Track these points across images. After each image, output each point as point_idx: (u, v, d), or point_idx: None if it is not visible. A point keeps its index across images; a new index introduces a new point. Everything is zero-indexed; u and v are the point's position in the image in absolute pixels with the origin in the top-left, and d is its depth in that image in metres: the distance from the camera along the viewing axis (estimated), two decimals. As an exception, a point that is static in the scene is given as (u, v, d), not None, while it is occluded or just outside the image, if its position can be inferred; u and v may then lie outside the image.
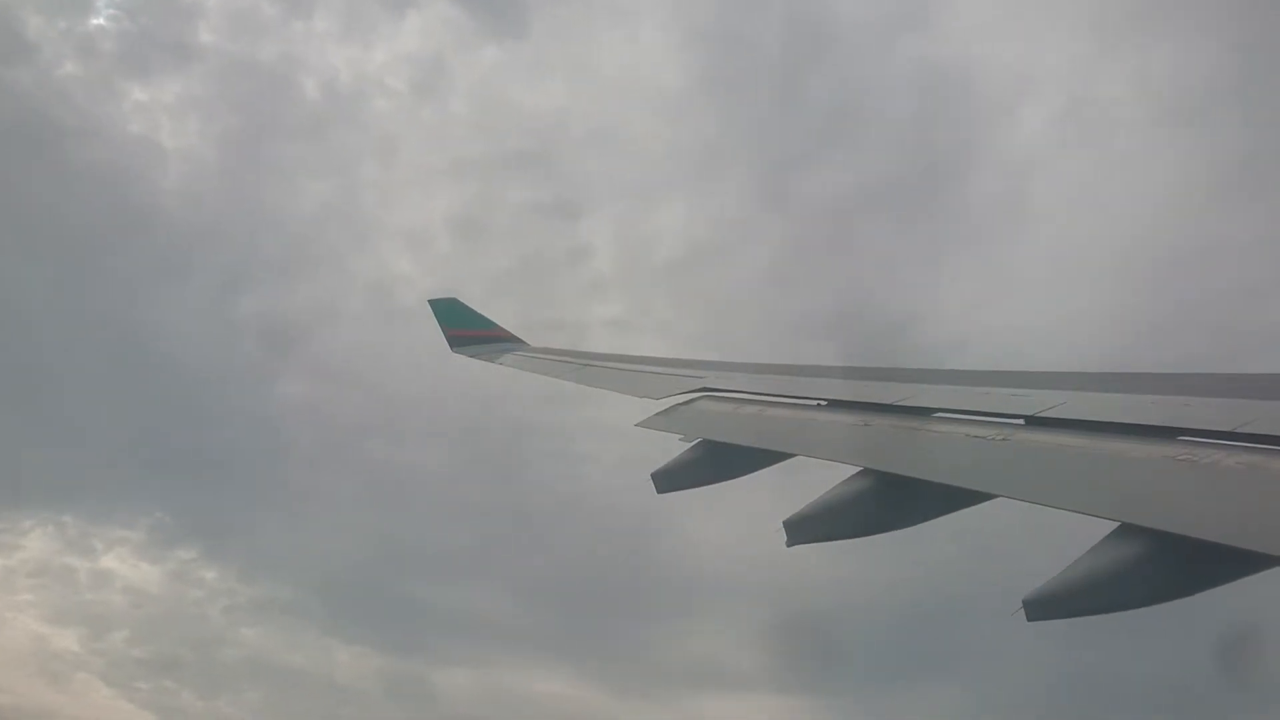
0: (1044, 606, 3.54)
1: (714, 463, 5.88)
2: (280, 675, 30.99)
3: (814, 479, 4.98)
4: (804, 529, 4.71)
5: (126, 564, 31.95)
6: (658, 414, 6.82)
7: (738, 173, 34.21)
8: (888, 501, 4.61)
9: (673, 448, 6.10)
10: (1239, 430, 3.78)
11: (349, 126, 37.07)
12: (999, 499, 4.18)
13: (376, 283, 34.61)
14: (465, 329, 12.34)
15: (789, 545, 4.70)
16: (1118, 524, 3.57)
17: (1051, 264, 28.77)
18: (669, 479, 5.90)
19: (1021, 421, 4.72)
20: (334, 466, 32.32)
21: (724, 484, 5.86)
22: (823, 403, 6.06)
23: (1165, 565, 3.40)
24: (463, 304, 12.61)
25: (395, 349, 33.18)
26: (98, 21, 35.99)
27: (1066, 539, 3.71)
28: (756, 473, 5.67)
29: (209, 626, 31.49)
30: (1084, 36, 31.44)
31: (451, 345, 12.33)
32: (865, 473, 4.76)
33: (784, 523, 4.73)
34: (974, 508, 4.29)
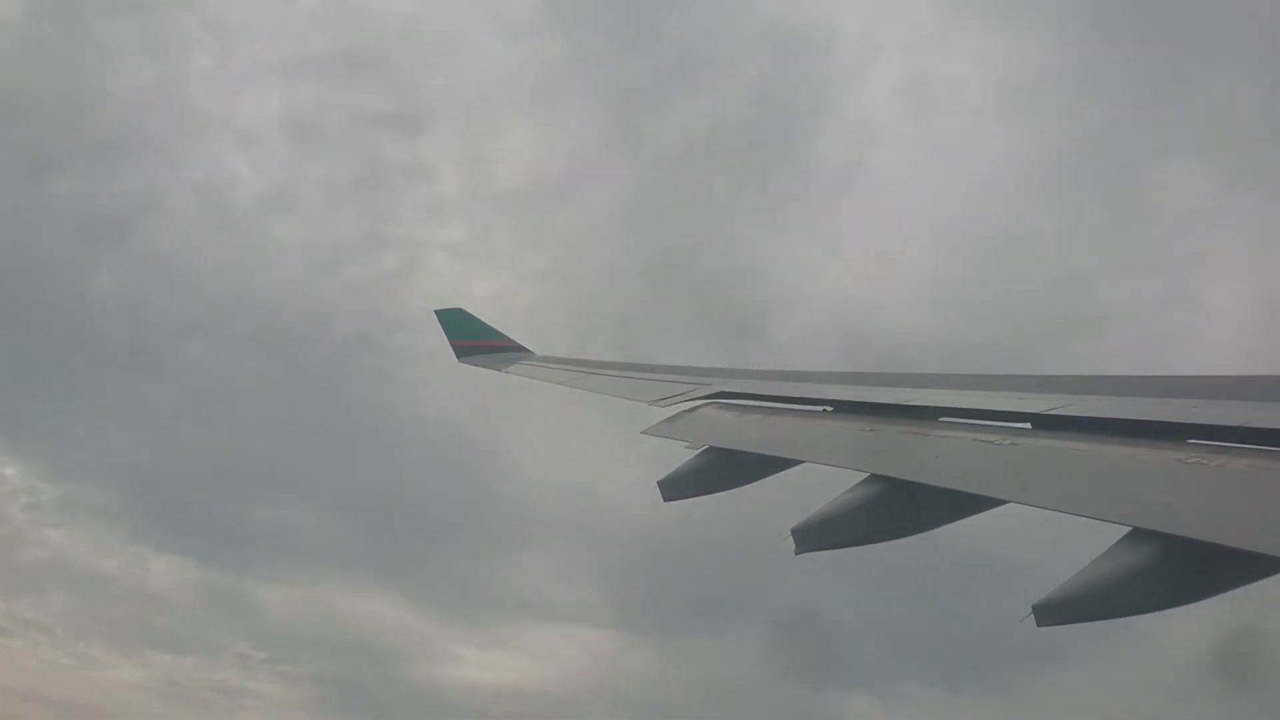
0: (1054, 612, 3.51)
1: (720, 470, 5.85)
2: (88, 580, 29.82)
3: (821, 485, 4.96)
4: (811, 536, 4.68)
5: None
6: (663, 421, 6.80)
7: (584, 104, 33.55)
8: (896, 507, 4.58)
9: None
10: (1248, 431, 3.76)
11: (182, 7, 35.26)
12: (1009, 504, 4.16)
13: (205, 179, 32.87)
14: (471, 339, 12.40)
15: (797, 553, 4.67)
16: (1128, 529, 3.54)
17: (879, 234, 29.14)
18: (675, 487, 5.87)
19: (1028, 425, 4.70)
20: (151, 368, 31.02)
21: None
22: (828, 408, 6.04)
23: (1177, 569, 3.38)
24: (469, 314, 12.67)
25: (223, 251, 32.16)
26: None
27: (1070, 542, 3.69)
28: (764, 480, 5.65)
29: (8, 525, 30.03)
30: (932, 12, 31.80)
31: (458, 355, 12.39)
32: (873, 479, 4.73)
33: (792, 530, 4.69)
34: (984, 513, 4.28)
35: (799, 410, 6.27)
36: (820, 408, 6.12)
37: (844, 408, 5.90)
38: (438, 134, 34.49)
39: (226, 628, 29.92)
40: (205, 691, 28.48)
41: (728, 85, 31.35)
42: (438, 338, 12.39)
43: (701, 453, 5.96)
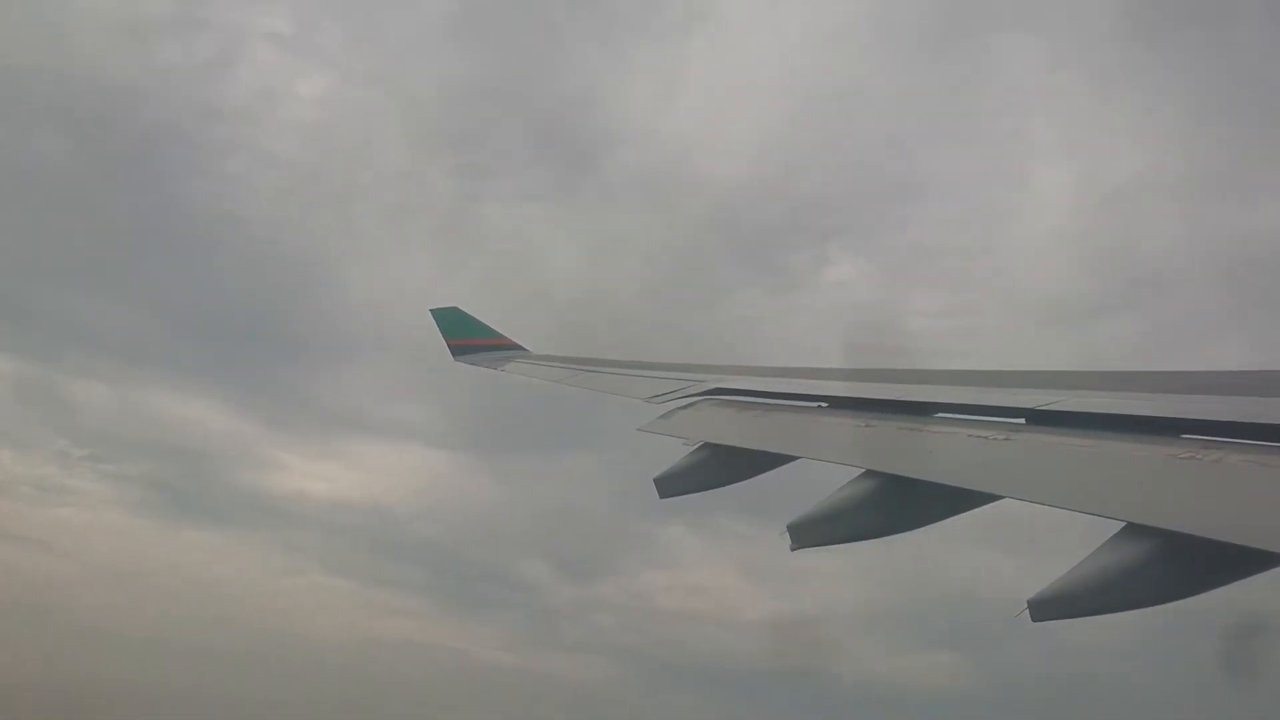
0: (1049, 607, 3.51)
1: (717, 466, 5.85)
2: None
3: (817, 481, 4.95)
4: (808, 532, 4.68)
5: None
6: (659, 418, 6.79)
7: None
8: (892, 503, 4.58)
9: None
10: (1243, 426, 3.76)
11: None
12: (1004, 500, 4.16)
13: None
14: (467, 338, 12.39)
15: (793, 549, 4.66)
16: (1123, 524, 3.54)
17: (723, 76, 28.39)
18: (671, 484, 5.87)
19: (1023, 421, 4.69)
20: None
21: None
22: (824, 404, 6.04)
23: (1171, 564, 3.38)
24: (465, 313, 12.66)
25: (15, 18, 30.27)
26: None
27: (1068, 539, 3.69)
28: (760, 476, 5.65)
29: None
30: None
31: (454, 354, 12.38)
32: (869, 474, 4.73)
33: (787, 526, 4.69)
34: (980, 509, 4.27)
35: (795, 406, 6.27)
36: (816, 404, 6.11)
37: (840, 403, 5.90)
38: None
39: (42, 423, 29.10)
40: (23, 486, 27.92)
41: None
42: (429, 333, 12.20)
43: (697, 449, 5.96)
